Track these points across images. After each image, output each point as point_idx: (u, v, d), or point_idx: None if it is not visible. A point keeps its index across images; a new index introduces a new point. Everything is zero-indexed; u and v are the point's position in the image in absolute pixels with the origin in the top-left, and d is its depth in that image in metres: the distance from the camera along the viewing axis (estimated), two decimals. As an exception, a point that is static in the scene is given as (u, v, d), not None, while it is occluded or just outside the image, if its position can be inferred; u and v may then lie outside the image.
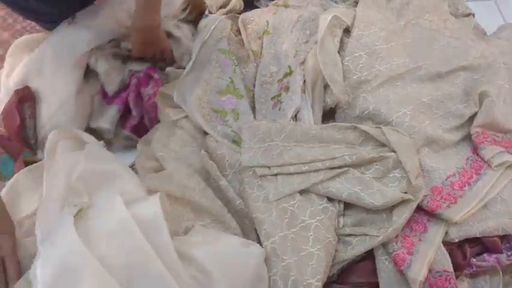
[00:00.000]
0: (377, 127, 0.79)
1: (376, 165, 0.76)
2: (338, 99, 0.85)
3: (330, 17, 0.91)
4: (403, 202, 0.72)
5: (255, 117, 0.90)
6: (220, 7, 1.10)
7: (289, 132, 0.81)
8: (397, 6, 1.01)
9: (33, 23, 1.35)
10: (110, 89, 0.97)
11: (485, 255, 0.73)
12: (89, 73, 0.99)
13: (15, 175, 0.78)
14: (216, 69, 0.93)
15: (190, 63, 0.94)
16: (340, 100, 0.85)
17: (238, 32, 1.01)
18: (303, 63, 0.90)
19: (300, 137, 0.81)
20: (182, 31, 1.05)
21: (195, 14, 1.11)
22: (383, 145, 0.78)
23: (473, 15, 1.07)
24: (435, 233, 0.72)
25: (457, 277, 0.70)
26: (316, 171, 0.77)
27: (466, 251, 0.72)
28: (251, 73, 0.96)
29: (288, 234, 0.71)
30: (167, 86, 0.96)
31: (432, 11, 1.01)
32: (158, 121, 0.96)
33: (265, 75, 0.94)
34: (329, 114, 0.88)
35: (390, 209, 0.73)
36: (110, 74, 0.97)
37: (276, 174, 0.78)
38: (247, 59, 0.97)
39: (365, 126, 0.79)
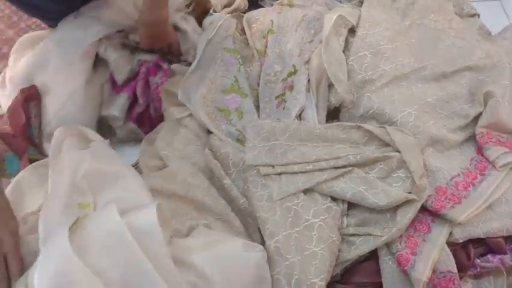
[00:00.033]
0: (381, 127, 0.79)
1: (380, 165, 0.76)
2: (342, 99, 0.85)
3: (335, 17, 0.91)
4: (407, 202, 0.72)
5: (259, 116, 0.90)
6: (225, 6, 1.10)
7: (294, 131, 0.81)
8: (402, 6, 1.01)
9: (38, 22, 1.36)
10: (120, 77, 0.98)
11: (489, 256, 0.73)
12: (98, 62, 1.00)
13: (21, 172, 0.78)
14: (221, 68, 0.93)
15: (195, 61, 0.94)
16: (344, 99, 0.85)
17: (243, 31, 1.02)
18: (307, 62, 0.90)
19: (304, 136, 0.81)
20: (189, 24, 1.06)
21: (198, 12, 1.11)
22: (387, 145, 0.78)
23: (478, 15, 1.07)
24: (439, 234, 0.72)
25: (460, 278, 0.70)
26: (320, 170, 0.77)
27: (470, 251, 0.72)
28: (255, 72, 0.96)
29: (292, 233, 0.71)
30: (171, 82, 0.96)
31: (437, 11, 1.01)
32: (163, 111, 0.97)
33: (270, 74, 0.94)
34: (333, 114, 0.88)
35: (394, 209, 0.73)
36: (120, 63, 0.98)
37: (280, 173, 0.78)
38: (252, 58, 0.98)
39: (369, 126, 0.79)
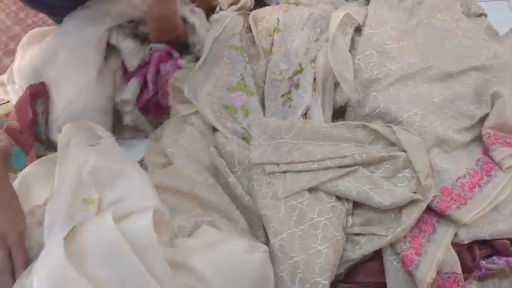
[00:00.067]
0: (387, 126, 0.79)
1: (386, 164, 0.76)
2: (348, 98, 0.85)
3: (342, 15, 0.91)
4: (412, 202, 0.72)
5: (264, 114, 0.90)
6: (231, 4, 1.11)
7: (299, 129, 0.81)
8: (409, 5, 1.01)
9: (44, 18, 1.36)
10: (131, 64, 0.99)
11: (494, 257, 0.72)
12: (108, 51, 1.01)
13: (28, 166, 0.79)
14: (227, 66, 0.94)
15: (202, 58, 0.94)
16: (350, 98, 0.85)
17: (249, 29, 1.01)
18: (313, 61, 0.90)
19: (310, 134, 0.81)
20: (198, 18, 1.07)
21: (203, 9, 1.11)
22: (393, 144, 0.77)
23: (486, 15, 1.06)
24: (444, 234, 0.72)
25: (465, 279, 0.70)
26: (325, 169, 0.76)
27: (475, 253, 0.71)
28: (261, 70, 0.96)
29: (296, 231, 0.71)
30: (177, 77, 0.97)
31: (445, 10, 1.00)
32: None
33: (275, 72, 0.94)
34: (338, 113, 0.88)
35: (399, 208, 0.73)
36: (131, 51, 1.00)
37: (284, 172, 0.78)
38: (258, 57, 0.98)
39: (375, 125, 0.79)
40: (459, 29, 0.95)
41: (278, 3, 1.10)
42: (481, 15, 1.05)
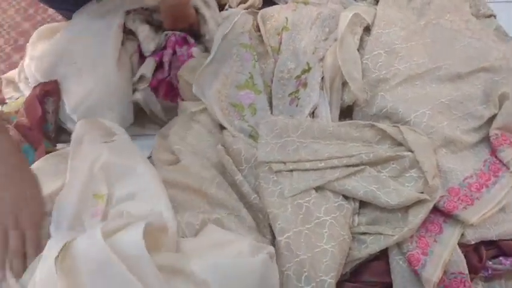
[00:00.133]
0: (394, 126, 0.79)
1: (393, 164, 0.76)
2: (355, 97, 0.85)
3: (351, 15, 0.91)
4: (419, 202, 0.72)
5: (272, 113, 0.90)
6: (240, 2, 1.11)
7: (306, 128, 0.81)
8: (418, 6, 1.00)
9: (53, 14, 1.37)
10: (147, 49, 1.01)
11: (501, 258, 0.72)
12: (124, 35, 1.03)
13: (37, 161, 0.80)
14: (236, 64, 0.94)
15: (210, 55, 0.94)
16: (358, 98, 0.85)
17: (257, 28, 1.02)
18: (321, 60, 0.90)
19: (317, 133, 0.81)
20: (210, 9, 1.08)
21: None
22: (400, 144, 0.77)
23: (495, 16, 1.06)
24: (451, 235, 0.72)
25: (471, 280, 0.70)
26: (332, 168, 0.76)
27: (482, 253, 0.71)
28: (270, 69, 0.96)
29: (303, 230, 0.71)
30: (187, 70, 0.97)
31: (454, 11, 1.00)
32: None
33: (283, 71, 0.94)
34: (346, 112, 0.88)
35: (406, 208, 0.73)
36: (147, 36, 1.02)
37: (291, 170, 0.78)
38: (266, 55, 0.98)
39: (383, 125, 0.79)
40: (468, 30, 0.95)
41: (286, 2, 1.10)
42: (490, 16, 1.05)
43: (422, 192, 0.72)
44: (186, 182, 0.78)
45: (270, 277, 0.65)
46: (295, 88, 0.90)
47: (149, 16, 1.06)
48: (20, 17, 1.40)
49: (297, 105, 0.87)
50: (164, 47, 1.02)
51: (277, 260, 0.68)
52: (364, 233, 0.74)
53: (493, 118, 0.81)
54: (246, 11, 1.04)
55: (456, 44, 0.91)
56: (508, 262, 0.71)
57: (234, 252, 0.65)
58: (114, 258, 0.55)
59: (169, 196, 0.74)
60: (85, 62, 0.96)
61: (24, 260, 0.67)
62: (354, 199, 0.76)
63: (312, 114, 0.86)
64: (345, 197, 0.76)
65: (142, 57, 1.03)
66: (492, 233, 0.71)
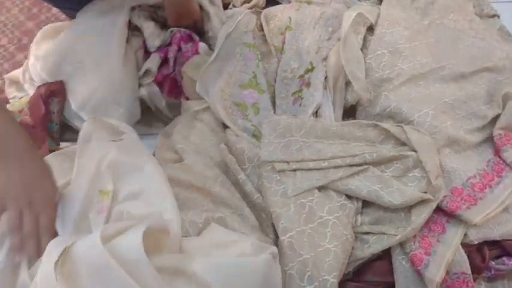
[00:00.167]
0: (397, 125, 0.79)
1: (396, 163, 0.76)
2: (359, 97, 0.85)
3: (354, 14, 0.91)
4: (422, 202, 0.72)
5: (275, 112, 0.90)
6: (244, 2, 1.11)
7: (310, 128, 0.81)
8: (421, 5, 1.00)
9: (57, 14, 1.37)
10: (152, 45, 1.02)
11: (504, 258, 0.72)
12: (129, 31, 1.04)
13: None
14: (240, 63, 0.94)
15: (214, 54, 0.95)
16: (361, 97, 0.85)
17: (261, 27, 1.02)
18: (325, 59, 0.90)
19: (321, 133, 0.81)
20: (214, 6, 1.09)
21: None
22: (404, 144, 0.77)
23: (498, 16, 1.06)
24: (454, 235, 0.71)
25: (474, 280, 0.70)
26: (335, 168, 0.76)
27: (485, 253, 0.71)
28: (273, 68, 0.96)
29: (306, 229, 0.71)
30: (193, 63, 0.98)
31: (457, 11, 1.00)
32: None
33: (286, 70, 0.94)
34: (349, 112, 0.88)
35: (409, 208, 0.73)
36: (152, 32, 1.03)
37: (294, 170, 0.78)
38: (269, 55, 0.98)
39: (386, 124, 0.79)
40: (472, 30, 0.95)
41: (290, 2, 1.10)
42: (493, 16, 1.05)
43: (425, 192, 0.72)
44: (190, 180, 0.78)
45: (273, 277, 0.65)
46: (299, 88, 0.90)
47: (154, 13, 1.07)
48: (23, 16, 1.40)
49: (300, 105, 0.87)
50: (170, 44, 1.03)
51: (280, 260, 0.68)
52: (367, 233, 0.74)
53: (496, 118, 0.81)
54: (249, 10, 1.04)
55: (460, 43, 0.91)
56: (511, 262, 0.71)
57: (236, 252, 0.65)
58: (113, 262, 0.55)
59: (173, 194, 0.74)
60: (89, 61, 0.96)
61: (38, 242, 0.68)
62: (357, 199, 0.76)
63: (316, 113, 0.86)
64: (348, 197, 0.76)
65: (147, 53, 1.03)
66: (495, 233, 0.71)
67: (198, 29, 1.07)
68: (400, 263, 0.71)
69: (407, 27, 0.93)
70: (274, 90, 0.94)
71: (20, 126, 0.77)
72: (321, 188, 0.76)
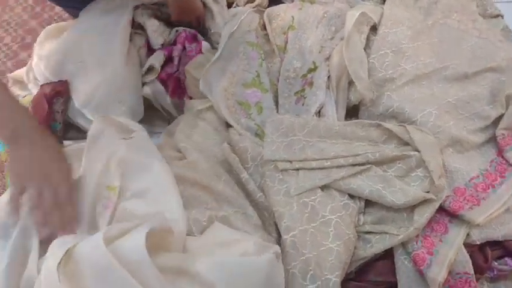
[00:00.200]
0: (400, 125, 0.79)
1: (399, 163, 0.76)
2: (362, 97, 0.85)
3: (357, 14, 0.91)
4: (425, 202, 0.72)
5: (278, 111, 0.90)
6: (247, 2, 1.11)
7: (313, 127, 0.81)
8: (425, 5, 1.00)
9: (60, 12, 1.38)
10: (156, 43, 1.03)
11: (506, 258, 0.72)
12: (132, 29, 1.04)
13: None
14: (243, 62, 0.94)
15: (217, 53, 0.95)
16: (364, 97, 0.85)
17: (264, 26, 1.02)
18: (328, 59, 0.90)
19: (323, 132, 0.81)
20: (218, 4, 1.09)
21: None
22: (406, 144, 0.77)
23: (502, 16, 1.06)
24: (457, 235, 0.71)
25: (477, 280, 0.70)
26: (338, 167, 0.77)
27: (488, 253, 0.71)
28: (276, 68, 0.96)
29: (308, 228, 0.71)
30: (196, 63, 0.98)
31: (461, 11, 1.00)
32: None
33: (289, 70, 0.94)
34: (352, 112, 0.88)
35: (412, 208, 0.73)
36: (156, 30, 1.03)
37: (297, 169, 0.78)
38: (272, 54, 0.98)
39: (389, 124, 0.79)
40: (475, 30, 0.95)
41: (293, 1, 1.10)
42: (497, 16, 1.05)
43: (428, 192, 0.72)
44: (194, 177, 0.78)
45: (276, 276, 0.65)
46: (302, 87, 0.90)
47: (157, 10, 1.08)
48: (27, 15, 1.41)
49: (303, 104, 0.87)
50: (174, 43, 1.03)
51: (282, 259, 0.69)
52: (369, 232, 0.74)
53: (499, 118, 0.81)
54: (252, 9, 1.04)
55: (463, 43, 0.91)
56: (514, 263, 0.71)
57: (239, 251, 0.65)
58: (116, 263, 0.56)
59: (179, 192, 0.75)
60: (92, 60, 0.96)
61: (62, 214, 0.69)
62: (359, 198, 0.76)
63: (318, 113, 0.86)
64: (351, 196, 0.76)
65: (150, 51, 1.04)
66: (498, 233, 0.71)
67: (200, 25, 1.08)
68: (402, 263, 0.71)
69: (411, 27, 0.93)
70: (277, 89, 0.94)
71: (27, 109, 0.78)
72: (323, 188, 0.76)
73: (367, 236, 0.74)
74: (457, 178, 0.75)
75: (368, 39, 0.92)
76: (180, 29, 1.04)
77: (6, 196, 0.73)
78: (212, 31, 1.06)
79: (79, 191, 0.73)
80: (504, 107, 0.81)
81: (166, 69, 1.00)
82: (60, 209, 0.69)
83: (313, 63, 0.91)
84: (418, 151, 0.75)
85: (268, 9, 1.06)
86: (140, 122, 0.98)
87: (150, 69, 0.99)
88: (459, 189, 0.74)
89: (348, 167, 0.76)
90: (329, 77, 0.88)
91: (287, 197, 0.75)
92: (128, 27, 1.00)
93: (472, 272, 0.69)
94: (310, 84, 0.89)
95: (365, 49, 0.90)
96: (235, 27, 0.96)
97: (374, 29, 0.94)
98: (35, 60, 1.02)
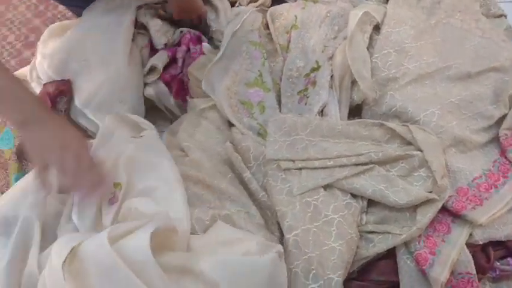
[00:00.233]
0: (403, 125, 0.79)
1: (402, 163, 0.76)
2: (365, 96, 0.85)
3: (361, 13, 0.91)
4: (427, 202, 0.72)
5: (280, 111, 0.90)
6: (251, 1, 1.11)
7: (315, 126, 0.81)
8: (428, 4, 1.00)
9: (63, 11, 1.38)
10: (159, 42, 1.03)
11: (509, 259, 0.72)
12: (135, 29, 1.04)
13: None
14: (246, 61, 0.94)
15: (220, 52, 0.95)
16: (367, 97, 0.85)
17: (267, 26, 1.02)
18: (331, 58, 0.90)
19: (326, 132, 0.81)
20: (223, 2, 1.10)
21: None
22: (409, 143, 0.77)
23: (505, 16, 1.05)
24: (459, 234, 0.71)
25: (479, 280, 0.70)
26: (341, 166, 0.77)
27: (490, 254, 0.71)
28: (279, 67, 0.96)
29: (311, 228, 0.71)
30: (199, 64, 0.98)
31: (464, 10, 0.99)
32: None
33: (292, 69, 0.94)
34: (355, 111, 0.88)
35: (414, 208, 0.73)
36: (159, 30, 1.04)
37: (300, 168, 0.78)
38: (275, 53, 0.98)
39: (392, 124, 0.79)
40: (478, 30, 0.95)
41: (296, 0, 1.10)
42: (500, 16, 1.05)
43: (430, 192, 0.72)
44: (197, 176, 0.79)
45: (279, 275, 0.65)
46: (304, 86, 0.90)
47: (161, 9, 1.08)
48: (30, 14, 1.41)
49: (306, 104, 0.87)
50: (179, 44, 1.03)
51: (285, 258, 0.69)
52: (372, 232, 0.74)
53: (503, 118, 0.81)
54: (255, 8, 1.05)
55: (466, 43, 0.91)
56: (516, 263, 0.71)
57: (242, 251, 0.65)
58: (120, 263, 0.56)
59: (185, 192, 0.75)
60: (95, 59, 0.97)
61: (90, 175, 0.71)
62: (362, 198, 0.76)
63: (321, 112, 0.86)
64: (354, 196, 0.76)
65: (153, 51, 1.04)
66: (500, 233, 0.71)
67: (201, 23, 1.08)
68: (405, 263, 0.72)
69: (414, 27, 0.93)
70: (280, 88, 0.94)
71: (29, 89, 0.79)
72: (326, 187, 0.76)
73: (369, 235, 0.74)
74: (459, 178, 0.75)
75: (371, 38, 0.92)
76: (185, 29, 1.04)
77: (31, 175, 0.75)
78: (214, 29, 1.06)
79: None
80: (507, 107, 0.81)
81: (170, 71, 1.00)
82: (87, 171, 0.71)
83: (317, 62, 0.91)
84: (421, 151, 0.75)
85: (271, 8, 1.06)
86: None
87: (152, 69, 0.99)
88: (462, 189, 0.74)
89: (351, 166, 0.76)
90: (331, 76, 0.88)
91: (290, 196, 0.75)
92: (131, 27, 1.00)
93: (474, 272, 0.69)
94: (313, 83, 0.89)
95: (368, 48, 0.90)
96: (237, 27, 0.97)
97: (377, 28, 0.94)
98: (38, 59, 1.02)
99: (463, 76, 0.86)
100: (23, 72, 1.08)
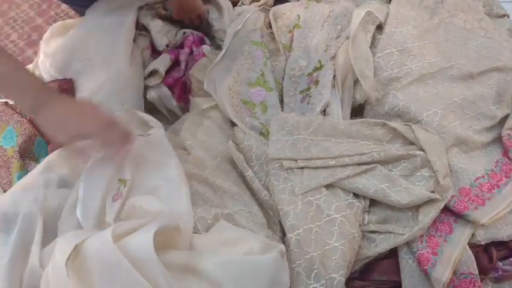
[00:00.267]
0: (406, 125, 0.79)
1: (404, 163, 0.76)
2: (367, 96, 0.85)
3: (363, 13, 0.90)
4: (430, 201, 0.72)
5: (282, 110, 0.90)
6: (253, 1, 1.11)
7: (318, 126, 0.81)
8: (431, 4, 1.00)
9: (66, 10, 1.38)
10: (160, 43, 1.03)
11: (511, 259, 0.72)
12: (136, 31, 1.05)
13: (50, 155, 0.81)
14: (248, 61, 0.94)
15: (222, 52, 0.95)
16: (369, 96, 0.85)
17: (269, 25, 1.02)
18: (333, 58, 0.90)
19: (328, 131, 0.81)
20: (226, 1, 1.10)
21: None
22: (412, 143, 0.77)
23: (508, 16, 1.05)
24: (461, 235, 0.71)
25: (481, 280, 0.70)
26: (343, 166, 0.76)
27: (492, 254, 0.71)
28: (281, 66, 0.96)
29: (313, 227, 0.71)
30: (200, 65, 0.98)
31: (467, 10, 0.99)
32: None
33: (294, 68, 0.94)
34: (357, 111, 0.88)
35: (416, 207, 0.73)
36: (160, 30, 1.04)
37: (302, 168, 0.78)
38: (278, 53, 0.98)
39: (394, 123, 0.79)
40: (481, 29, 0.95)
41: (298, 0, 1.10)
42: (503, 16, 1.04)
43: (433, 192, 0.72)
44: (200, 175, 0.79)
45: (281, 275, 0.65)
46: (307, 86, 0.90)
47: (162, 8, 1.09)
48: (33, 12, 1.41)
49: (308, 103, 0.87)
50: (181, 46, 1.03)
51: (287, 257, 0.69)
52: (374, 232, 0.74)
53: (505, 118, 0.81)
54: (258, 8, 1.05)
55: (469, 43, 0.91)
56: (519, 263, 0.71)
57: (244, 250, 0.65)
58: (124, 260, 0.56)
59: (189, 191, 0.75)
60: (97, 58, 0.97)
61: (116, 131, 0.74)
62: (364, 197, 0.76)
63: (324, 112, 0.86)
64: (356, 195, 0.76)
65: (155, 53, 1.04)
66: (503, 233, 0.71)
67: (202, 23, 1.09)
68: (407, 263, 0.72)
69: (416, 26, 0.92)
70: (282, 88, 0.94)
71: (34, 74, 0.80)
72: (328, 186, 0.76)
73: (372, 235, 0.74)
74: (462, 178, 0.75)
75: (373, 38, 0.92)
76: (188, 31, 1.04)
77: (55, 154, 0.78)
78: (216, 28, 1.06)
79: (91, 181, 0.74)
80: (510, 107, 0.81)
81: (173, 74, 1.00)
82: (112, 127, 0.73)
83: (319, 61, 0.91)
84: (423, 151, 0.75)
85: (273, 7, 1.06)
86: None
87: (154, 72, 0.99)
88: (464, 189, 0.74)
89: (353, 166, 0.76)
90: (334, 75, 0.88)
91: (292, 195, 0.75)
92: (132, 28, 1.00)
93: (477, 272, 0.69)
94: (316, 82, 0.89)
95: (370, 48, 0.89)
96: (240, 26, 0.97)
97: (379, 28, 0.94)
98: (41, 58, 1.02)
99: (466, 76, 0.86)
100: (25, 70, 1.08)
